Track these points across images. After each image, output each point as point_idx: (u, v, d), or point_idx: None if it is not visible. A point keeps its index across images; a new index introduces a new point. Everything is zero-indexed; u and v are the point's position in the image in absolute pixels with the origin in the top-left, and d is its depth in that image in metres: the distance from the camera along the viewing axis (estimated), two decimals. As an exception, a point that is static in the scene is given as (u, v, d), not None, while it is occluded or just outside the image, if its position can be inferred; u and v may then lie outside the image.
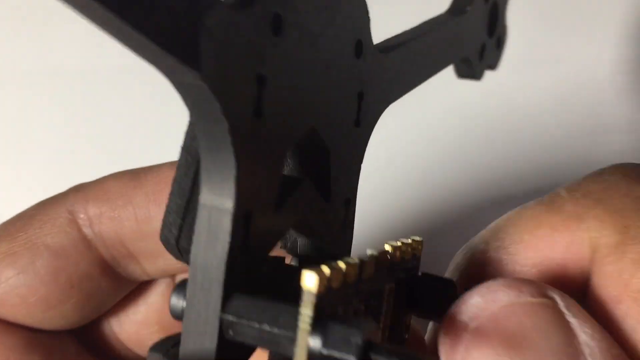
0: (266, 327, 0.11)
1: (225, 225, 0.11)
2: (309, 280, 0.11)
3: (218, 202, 0.11)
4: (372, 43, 0.15)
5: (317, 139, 0.14)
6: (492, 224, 0.17)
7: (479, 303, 0.14)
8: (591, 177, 0.17)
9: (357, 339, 0.11)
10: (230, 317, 0.11)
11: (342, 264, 0.12)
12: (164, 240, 0.13)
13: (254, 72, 0.11)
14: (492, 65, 0.22)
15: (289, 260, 0.15)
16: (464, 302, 0.14)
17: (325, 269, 0.11)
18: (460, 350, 0.14)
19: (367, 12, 0.15)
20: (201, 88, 0.10)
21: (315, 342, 0.11)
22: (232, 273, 0.11)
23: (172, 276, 0.21)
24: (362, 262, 0.13)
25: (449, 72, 0.20)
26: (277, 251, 0.14)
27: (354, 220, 0.15)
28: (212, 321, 0.12)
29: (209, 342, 0.11)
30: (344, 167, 0.15)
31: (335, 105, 0.14)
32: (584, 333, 0.13)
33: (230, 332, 0.12)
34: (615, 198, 0.15)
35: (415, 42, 0.17)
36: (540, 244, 0.15)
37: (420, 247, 0.15)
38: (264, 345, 0.12)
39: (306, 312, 0.11)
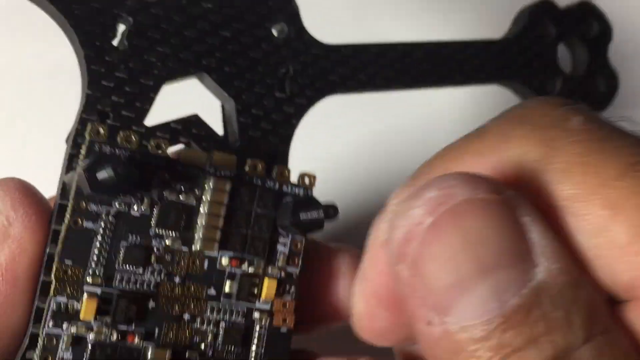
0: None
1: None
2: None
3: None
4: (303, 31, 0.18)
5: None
6: (423, 163, 0.17)
7: (436, 197, 0.14)
8: (513, 107, 0.17)
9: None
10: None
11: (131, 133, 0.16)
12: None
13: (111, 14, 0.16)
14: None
15: None
16: (419, 196, 0.14)
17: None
18: (413, 245, 0.14)
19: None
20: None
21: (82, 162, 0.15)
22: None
23: None
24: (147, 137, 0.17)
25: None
26: None
27: None
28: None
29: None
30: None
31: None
32: (536, 232, 0.14)
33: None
34: (537, 117, 0.16)
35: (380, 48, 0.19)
36: (467, 169, 0.15)
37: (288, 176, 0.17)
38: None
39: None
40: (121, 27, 0.17)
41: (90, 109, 0.17)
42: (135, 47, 0.17)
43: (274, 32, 0.18)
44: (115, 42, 0.17)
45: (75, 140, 0.16)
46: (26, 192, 0.17)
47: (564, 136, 0.15)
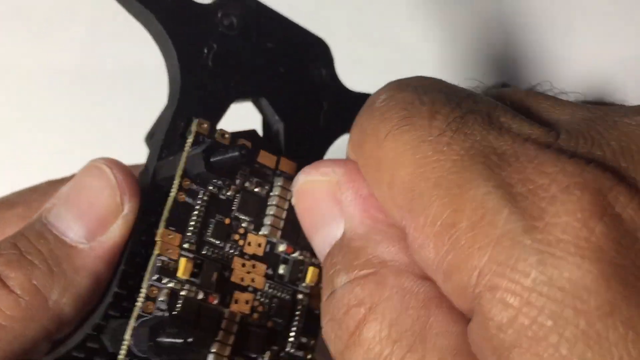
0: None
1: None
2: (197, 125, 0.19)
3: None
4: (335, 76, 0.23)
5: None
6: None
7: (295, 180, 0.19)
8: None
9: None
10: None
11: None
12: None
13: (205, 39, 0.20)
14: None
15: None
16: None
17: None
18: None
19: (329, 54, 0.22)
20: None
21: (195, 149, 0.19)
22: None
23: None
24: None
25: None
26: None
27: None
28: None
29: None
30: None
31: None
32: (346, 208, 0.18)
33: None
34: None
35: None
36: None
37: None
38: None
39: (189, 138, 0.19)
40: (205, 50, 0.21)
41: (180, 113, 0.20)
42: (217, 67, 0.20)
43: (316, 74, 0.22)
44: (202, 62, 0.20)
45: (169, 134, 0.19)
46: (131, 176, 0.19)
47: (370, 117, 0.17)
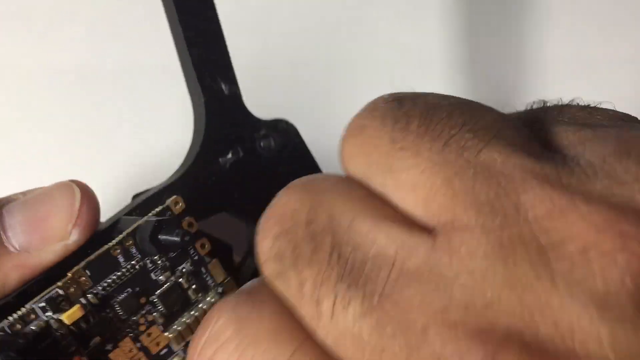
0: None
1: None
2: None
3: None
4: None
5: None
6: None
7: None
8: None
9: None
10: None
11: None
12: None
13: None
14: None
15: None
16: None
17: None
18: None
19: None
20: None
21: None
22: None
23: None
24: None
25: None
26: None
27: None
28: None
29: None
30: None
31: None
32: None
33: None
34: None
35: None
36: None
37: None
38: None
39: None
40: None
41: (171, 189, 0.20)
42: (229, 173, 0.21)
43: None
44: (221, 160, 0.20)
45: (150, 199, 0.19)
46: (94, 213, 0.18)
47: None
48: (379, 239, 0.13)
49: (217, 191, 0.20)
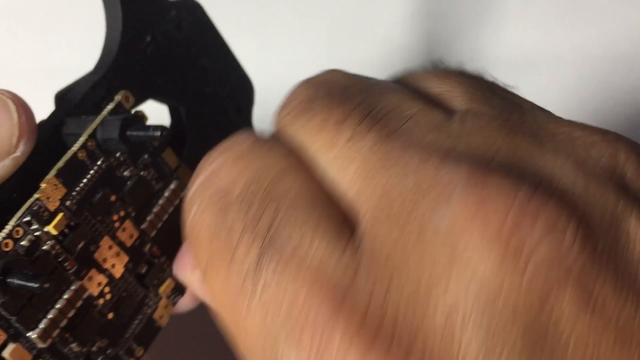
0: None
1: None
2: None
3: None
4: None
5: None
6: None
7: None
8: None
9: None
10: None
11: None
12: None
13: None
14: None
15: None
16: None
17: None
18: None
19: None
20: None
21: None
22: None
23: None
24: None
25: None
26: None
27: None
28: None
29: None
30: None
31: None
32: None
33: None
34: None
35: None
36: None
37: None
38: None
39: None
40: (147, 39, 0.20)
41: (103, 83, 0.19)
42: (152, 58, 0.20)
43: (233, 107, 0.23)
44: (141, 46, 0.20)
45: (85, 97, 0.19)
46: (33, 120, 0.18)
47: None
48: (405, 102, 0.16)
49: (143, 79, 0.20)
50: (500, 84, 0.17)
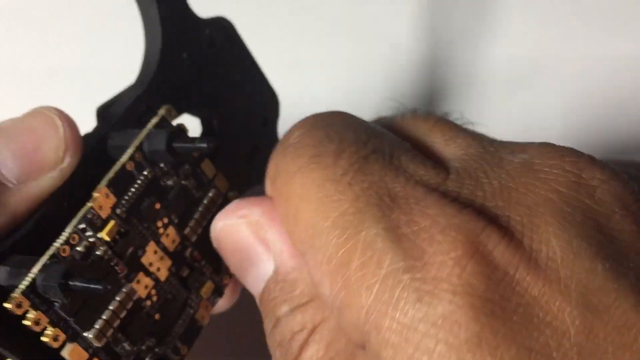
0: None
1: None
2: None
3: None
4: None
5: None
6: None
7: (213, 226, 0.20)
8: None
9: None
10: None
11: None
12: None
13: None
14: None
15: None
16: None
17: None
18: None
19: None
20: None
21: None
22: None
23: None
24: None
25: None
26: None
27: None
28: None
29: None
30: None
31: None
32: (274, 245, 0.19)
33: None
34: None
35: None
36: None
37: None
38: None
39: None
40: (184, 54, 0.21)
41: (145, 97, 0.20)
42: (189, 74, 0.21)
43: (261, 118, 0.24)
44: (179, 62, 0.21)
45: (129, 111, 0.20)
46: (78, 134, 0.19)
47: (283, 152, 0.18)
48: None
49: (182, 93, 0.21)
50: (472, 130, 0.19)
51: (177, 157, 0.19)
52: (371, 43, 0.37)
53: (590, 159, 0.16)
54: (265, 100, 0.24)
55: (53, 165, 0.18)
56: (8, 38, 0.36)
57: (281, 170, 0.18)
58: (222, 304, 0.22)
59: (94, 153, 0.19)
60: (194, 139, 0.19)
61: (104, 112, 0.21)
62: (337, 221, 0.16)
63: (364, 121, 0.18)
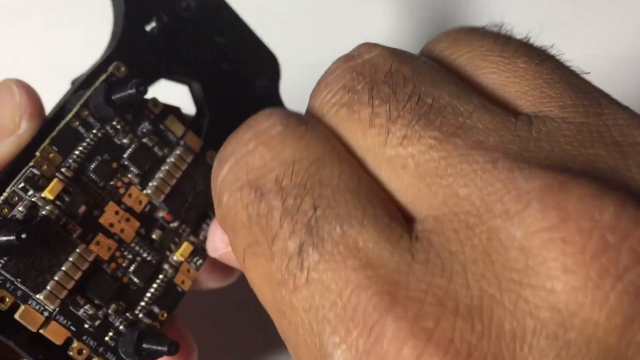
0: None
1: None
2: None
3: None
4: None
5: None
6: None
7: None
8: None
9: None
10: None
11: None
12: None
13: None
14: None
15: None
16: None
17: None
18: None
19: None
20: None
21: None
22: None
23: None
24: None
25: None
26: None
27: None
28: None
29: None
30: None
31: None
32: None
33: None
34: None
35: None
36: None
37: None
38: None
39: None
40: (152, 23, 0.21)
41: (109, 62, 0.20)
42: (160, 38, 0.20)
43: (258, 83, 0.23)
44: (147, 28, 0.20)
45: (91, 76, 0.19)
46: (36, 100, 0.19)
47: None
48: (461, 96, 0.14)
49: (151, 59, 0.20)
50: (572, 70, 0.16)
51: (121, 110, 0.19)
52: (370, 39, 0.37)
53: None
54: (261, 62, 0.23)
55: (9, 131, 0.18)
56: (8, 38, 0.36)
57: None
58: (217, 279, 0.21)
59: (54, 119, 0.19)
60: (127, 86, 0.18)
61: (74, 82, 0.21)
62: None
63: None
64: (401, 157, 0.14)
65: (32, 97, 0.19)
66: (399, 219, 0.14)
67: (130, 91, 0.18)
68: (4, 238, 0.16)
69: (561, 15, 0.37)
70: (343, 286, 0.13)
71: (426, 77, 0.15)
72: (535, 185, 0.12)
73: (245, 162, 0.15)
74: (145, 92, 0.18)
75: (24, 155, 0.18)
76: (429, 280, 0.12)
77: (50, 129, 0.18)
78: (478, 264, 0.12)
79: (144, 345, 0.18)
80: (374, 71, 0.15)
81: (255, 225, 0.14)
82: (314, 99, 0.16)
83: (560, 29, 0.37)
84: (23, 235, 0.16)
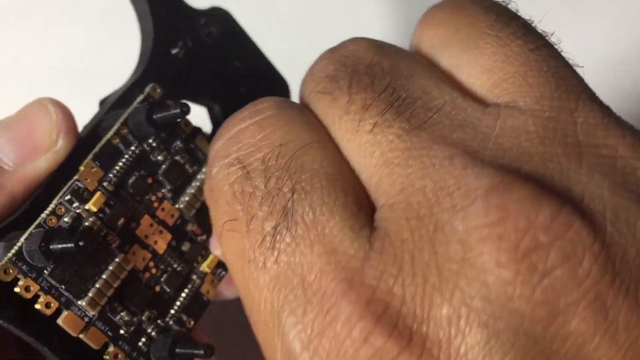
0: None
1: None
2: None
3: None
4: None
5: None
6: None
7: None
8: None
9: None
10: None
11: None
12: None
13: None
14: None
15: None
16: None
17: None
18: None
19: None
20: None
21: None
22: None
23: None
24: None
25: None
26: None
27: None
28: None
29: None
30: None
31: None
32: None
33: None
34: None
35: None
36: None
37: None
38: None
39: None
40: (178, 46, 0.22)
41: (139, 84, 0.21)
42: (185, 62, 0.22)
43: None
44: (173, 51, 0.22)
45: (122, 97, 0.21)
46: (71, 119, 0.20)
47: None
48: (433, 91, 0.15)
49: (177, 81, 0.22)
50: (565, 61, 0.16)
51: (160, 129, 0.20)
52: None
53: None
54: (272, 87, 0.24)
55: (47, 148, 0.19)
56: (8, 38, 0.36)
57: None
58: (234, 289, 0.22)
59: (89, 136, 0.20)
60: (169, 107, 0.20)
61: (103, 102, 0.22)
62: None
63: None
64: (370, 143, 0.15)
65: (67, 115, 0.20)
66: (366, 209, 0.15)
67: (174, 111, 0.19)
68: (61, 246, 0.17)
69: (558, 16, 0.37)
70: (307, 270, 0.14)
71: (403, 71, 0.16)
72: (484, 184, 0.13)
73: (237, 139, 0.16)
74: (188, 112, 0.20)
75: (61, 171, 0.19)
76: (382, 269, 0.13)
77: (85, 146, 0.20)
78: (424, 253, 0.13)
79: (177, 350, 0.20)
80: (356, 62, 0.16)
81: (237, 203, 0.15)
82: (302, 88, 0.18)
83: (560, 29, 0.37)
84: (81, 243, 0.17)
